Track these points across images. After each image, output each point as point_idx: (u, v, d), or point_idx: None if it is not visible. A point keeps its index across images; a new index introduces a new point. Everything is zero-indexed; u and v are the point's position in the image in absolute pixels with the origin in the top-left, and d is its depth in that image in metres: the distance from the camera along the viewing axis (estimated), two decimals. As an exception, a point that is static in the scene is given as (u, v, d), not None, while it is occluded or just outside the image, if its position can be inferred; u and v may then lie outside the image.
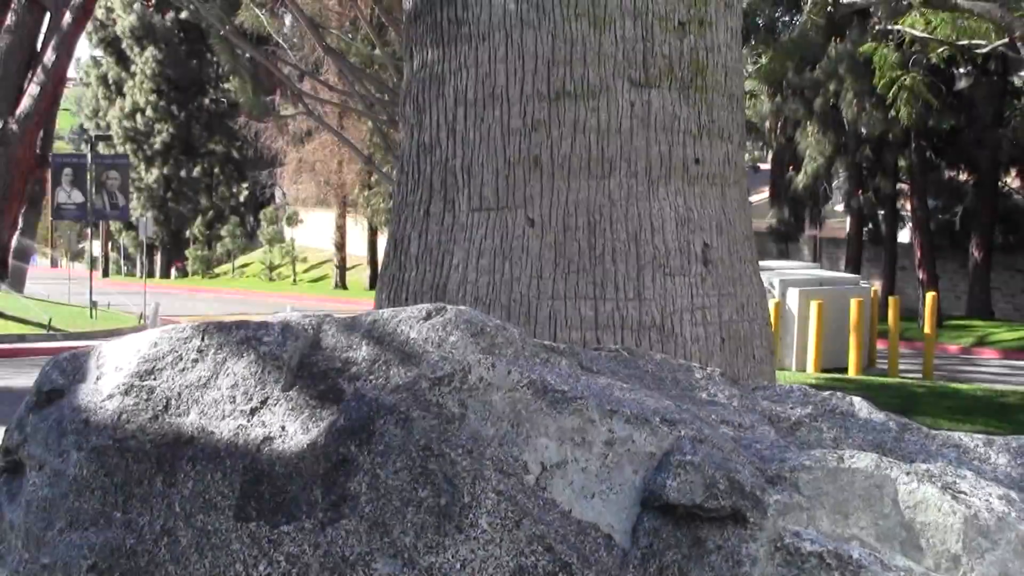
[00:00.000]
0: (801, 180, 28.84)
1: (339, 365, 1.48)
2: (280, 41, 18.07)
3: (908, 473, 1.42)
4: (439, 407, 1.41)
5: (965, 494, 1.43)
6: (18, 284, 25.66)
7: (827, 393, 1.84)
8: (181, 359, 1.51)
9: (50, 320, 20.44)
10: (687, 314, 2.65)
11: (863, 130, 25.86)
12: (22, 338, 19.10)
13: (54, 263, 60.00)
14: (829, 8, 14.71)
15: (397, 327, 1.51)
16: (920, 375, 17.41)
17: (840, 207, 32.77)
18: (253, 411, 1.46)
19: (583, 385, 1.48)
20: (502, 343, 1.50)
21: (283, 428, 1.43)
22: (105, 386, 1.53)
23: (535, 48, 2.64)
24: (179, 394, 1.49)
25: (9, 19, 20.97)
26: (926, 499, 1.40)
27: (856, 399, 1.82)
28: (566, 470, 1.40)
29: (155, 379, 1.51)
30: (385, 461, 1.36)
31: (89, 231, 46.31)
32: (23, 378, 13.57)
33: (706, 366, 1.89)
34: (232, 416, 1.46)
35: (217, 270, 50.07)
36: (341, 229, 40.42)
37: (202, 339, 1.52)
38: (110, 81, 48.21)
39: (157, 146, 47.19)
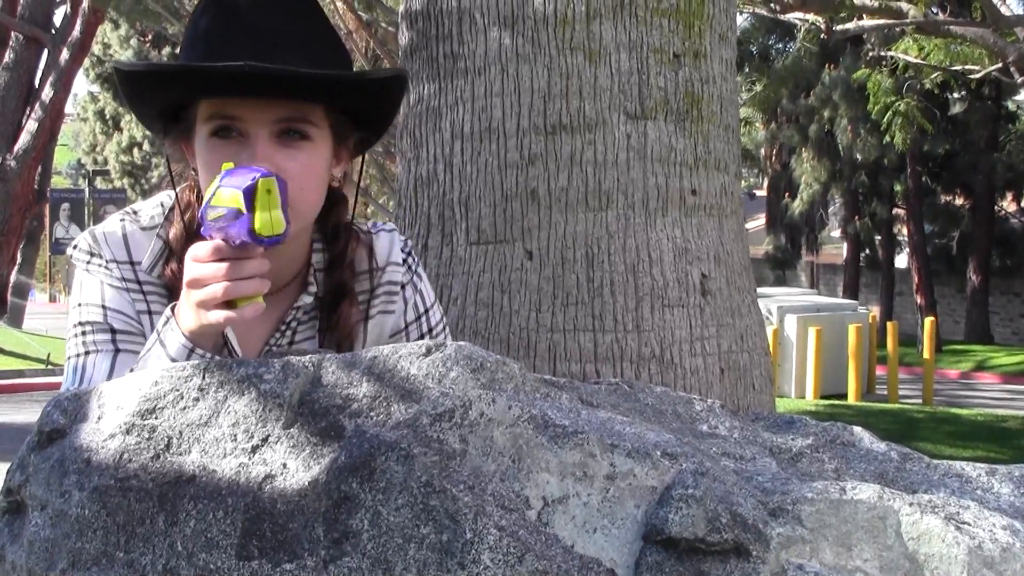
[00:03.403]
0: (797, 206, 28.95)
1: (340, 402, 1.48)
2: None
3: (911, 504, 1.41)
4: (440, 443, 1.41)
5: (969, 524, 1.42)
6: (17, 320, 25.64)
7: (827, 423, 1.84)
8: (182, 398, 1.51)
9: (49, 355, 20.43)
10: (686, 345, 2.66)
11: (858, 156, 26.00)
12: (20, 374, 19.09)
13: (52, 298, 59.92)
14: (822, 35, 14.78)
15: (397, 363, 1.51)
16: (920, 400, 17.40)
17: (836, 233, 32.87)
18: (254, 449, 1.45)
19: (584, 419, 1.48)
20: (502, 378, 1.50)
21: (284, 466, 1.43)
22: (106, 425, 1.52)
23: (531, 82, 2.65)
24: (180, 433, 1.49)
25: (7, 56, 21.05)
26: (929, 530, 1.39)
27: (857, 429, 1.82)
28: (568, 505, 1.40)
29: (156, 418, 1.50)
30: (387, 498, 1.36)
31: (87, 266, 46.27)
32: (22, 414, 13.56)
33: (706, 397, 1.89)
34: (233, 454, 1.45)
35: (216, 303, 50.03)
36: (339, 261, 40.43)
37: (203, 378, 1.52)
38: (107, 116, 48.29)
39: (155, 180, 47.20)
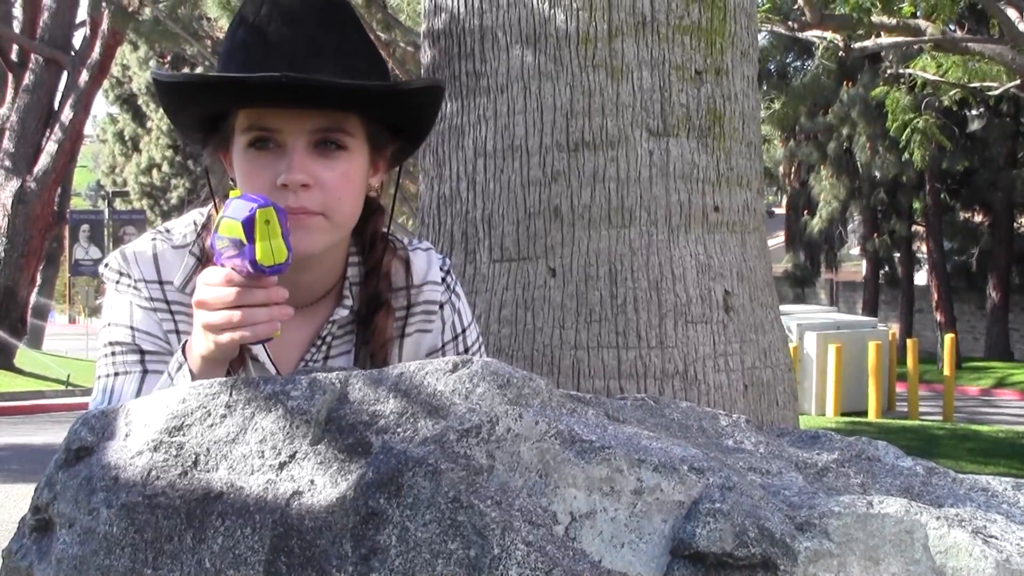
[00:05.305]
0: (816, 224, 28.91)
1: (367, 418, 1.48)
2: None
3: (938, 518, 1.41)
4: (467, 459, 1.41)
5: (996, 538, 1.42)
6: (36, 341, 25.75)
7: (852, 438, 1.83)
8: (210, 415, 1.52)
9: (69, 376, 20.48)
10: (709, 361, 2.65)
11: (877, 173, 25.96)
12: (40, 394, 19.13)
13: (72, 319, 60.09)
14: (840, 53, 14.78)
15: (424, 380, 1.51)
16: (940, 417, 17.32)
17: (856, 250, 32.81)
18: (282, 465, 1.46)
19: (610, 435, 1.48)
20: (529, 394, 1.50)
21: (312, 482, 1.43)
22: (134, 443, 1.53)
23: (553, 99, 2.66)
24: (208, 450, 1.49)
25: (27, 78, 21.21)
26: (957, 544, 1.39)
27: (881, 444, 1.82)
28: (595, 520, 1.40)
29: (184, 435, 1.51)
30: (414, 513, 1.36)
31: (106, 287, 46.43)
32: (43, 435, 13.58)
33: (730, 413, 1.89)
34: (261, 471, 1.46)
35: (235, 323, 50.11)
36: (357, 280, 40.46)
37: (230, 395, 1.53)
38: (126, 137, 48.52)
39: (174, 201, 47.41)
